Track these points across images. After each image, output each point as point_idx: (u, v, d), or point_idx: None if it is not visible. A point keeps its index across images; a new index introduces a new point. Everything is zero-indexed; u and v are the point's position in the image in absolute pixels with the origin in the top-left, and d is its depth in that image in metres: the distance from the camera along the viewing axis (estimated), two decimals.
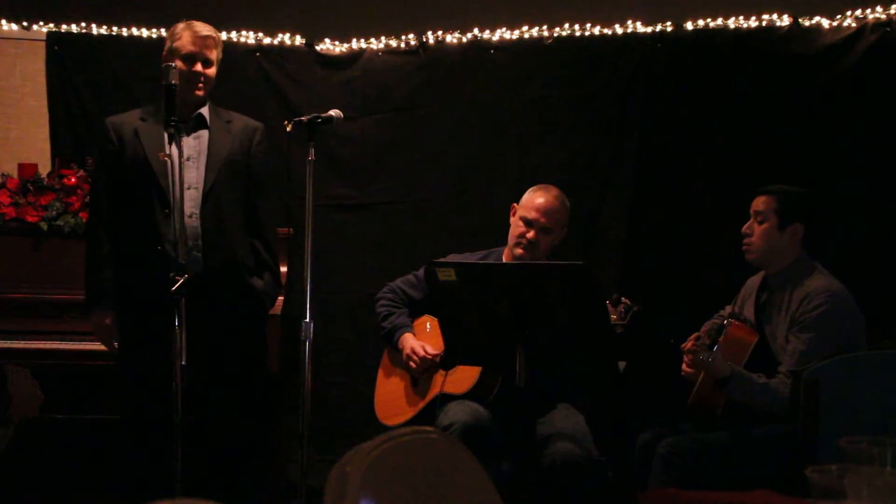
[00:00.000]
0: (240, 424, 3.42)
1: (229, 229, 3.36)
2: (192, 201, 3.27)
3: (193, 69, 3.33)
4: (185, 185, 3.25)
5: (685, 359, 3.34)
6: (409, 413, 3.52)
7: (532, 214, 3.44)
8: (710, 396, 3.23)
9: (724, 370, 3.12)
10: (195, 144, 3.35)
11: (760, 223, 3.35)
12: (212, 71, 3.39)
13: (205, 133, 3.38)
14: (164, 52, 3.38)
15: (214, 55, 3.39)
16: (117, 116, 3.43)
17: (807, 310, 3.18)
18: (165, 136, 3.02)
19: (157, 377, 3.02)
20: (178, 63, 3.28)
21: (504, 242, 3.59)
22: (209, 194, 3.31)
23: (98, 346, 3.55)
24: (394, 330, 3.55)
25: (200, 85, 3.34)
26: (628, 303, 3.00)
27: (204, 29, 3.38)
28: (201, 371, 3.06)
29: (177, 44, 3.35)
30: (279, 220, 3.76)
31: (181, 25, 3.39)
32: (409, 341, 3.49)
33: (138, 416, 3.28)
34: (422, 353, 3.41)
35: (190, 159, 3.29)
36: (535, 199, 3.47)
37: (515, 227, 3.50)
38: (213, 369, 3.24)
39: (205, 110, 3.41)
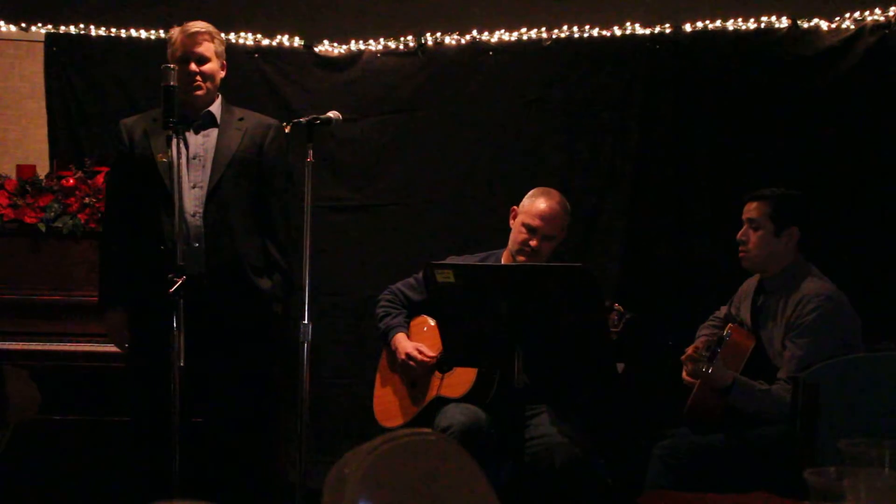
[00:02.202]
0: (241, 425, 3.41)
1: (234, 228, 3.34)
2: (196, 200, 3.27)
3: (189, 69, 3.31)
4: (190, 184, 3.25)
5: (685, 368, 3.33)
6: (408, 415, 3.52)
7: (535, 222, 3.42)
8: (709, 400, 3.22)
9: (726, 380, 3.11)
10: (203, 143, 3.34)
11: (755, 230, 3.33)
12: (209, 67, 3.35)
13: (214, 131, 3.36)
14: (168, 59, 3.37)
15: (210, 50, 3.35)
16: (131, 118, 3.45)
17: (802, 314, 3.17)
18: (172, 136, 3.03)
19: (162, 378, 3.02)
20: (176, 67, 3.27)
21: (503, 244, 3.58)
22: (214, 193, 3.30)
23: (96, 348, 3.55)
24: (388, 330, 3.55)
25: (198, 83, 3.32)
26: (621, 310, 2.99)
27: (193, 26, 3.35)
28: (204, 371, 3.05)
29: (172, 49, 3.35)
30: (291, 218, 3.74)
31: (175, 31, 3.38)
32: (402, 343, 3.48)
33: (143, 417, 3.27)
34: (419, 356, 3.41)
35: (196, 158, 3.29)
36: (537, 205, 3.45)
37: (517, 233, 3.48)
38: (216, 369, 3.23)
39: (215, 108, 3.39)
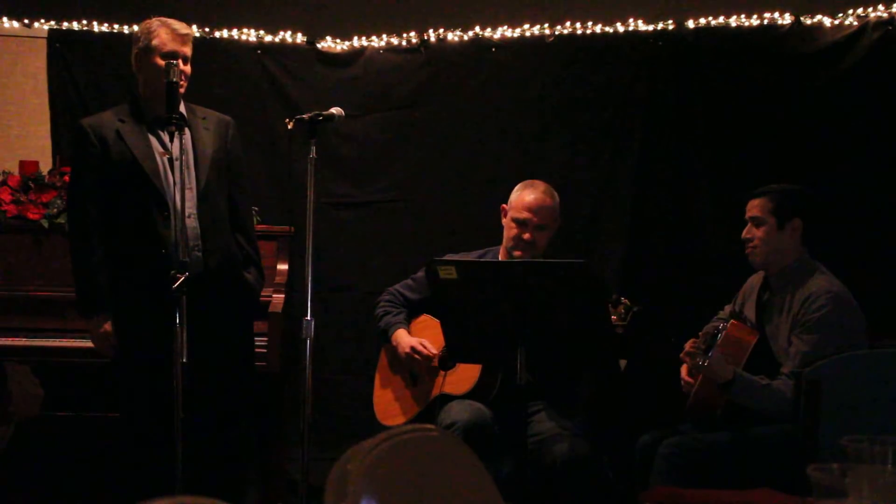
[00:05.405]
0: (238, 419, 3.42)
1: (223, 228, 3.36)
2: (189, 201, 3.24)
3: (178, 67, 3.28)
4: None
5: (683, 368, 3.33)
6: (409, 413, 3.51)
7: (524, 214, 3.42)
8: (710, 398, 3.22)
9: (726, 374, 3.11)
10: (178, 144, 3.32)
11: (758, 226, 3.34)
12: (189, 69, 3.33)
13: (185, 131, 3.29)
14: (137, 51, 3.31)
15: (190, 52, 3.34)
16: (92, 118, 3.38)
17: (809, 311, 3.17)
18: (150, 135, 3.12)
19: (158, 377, 3.02)
20: (158, 60, 3.24)
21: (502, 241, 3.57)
22: (204, 194, 3.29)
23: None
24: (388, 327, 3.56)
25: (183, 82, 3.28)
26: (628, 303, 2.99)
27: (183, 27, 3.33)
28: (201, 368, 3.06)
29: (155, 42, 3.27)
30: (253, 212, 3.76)
31: (156, 23, 3.31)
32: (405, 338, 3.49)
33: (139, 416, 3.27)
34: (423, 350, 3.41)
35: (176, 159, 3.27)
36: (524, 198, 3.44)
37: (509, 229, 3.47)
38: (213, 366, 3.23)
39: (182, 108, 3.33)
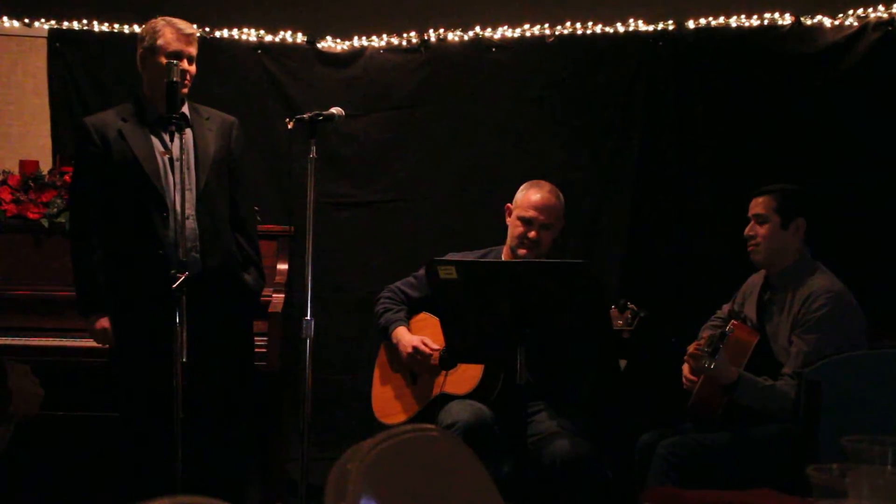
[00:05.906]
0: (238, 419, 3.42)
1: (222, 228, 3.36)
2: (188, 202, 3.23)
3: (182, 67, 3.25)
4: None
5: (685, 367, 3.33)
6: (410, 412, 3.51)
7: (530, 213, 3.44)
8: (711, 398, 3.23)
9: (731, 376, 3.11)
10: (181, 144, 3.31)
11: (762, 224, 3.34)
12: (194, 69, 3.33)
13: (188, 132, 3.31)
14: (142, 50, 3.31)
15: (195, 52, 3.34)
16: (95, 117, 3.38)
17: (809, 310, 3.18)
18: (152, 136, 3.11)
19: (157, 377, 3.02)
20: (162, 60, 3.23)
21: (503, 241, 3.58)
22: (203, 194, 3.29)
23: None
24: (389, 325, 3.56)
25: (187, 82, 3.29)
26: (635, 308, 2.99)
27: (188, 27, 3.33)
28: (199, 369, 3.06)
29: (160, 41, 3.27)
30: (255, 212, 3.75)
31: (161, 22, 3.31)
32: (406, 336, 3.49)
33: (138, 416, 3.27)
34: (426, 349, 3.41)
35: (177, 159, 3.26)
36: (530, 197, 3.47)
37: (514, 227, 3.49)
38: (212, 366, 3.23)
39: (185, 108, 3.33)
